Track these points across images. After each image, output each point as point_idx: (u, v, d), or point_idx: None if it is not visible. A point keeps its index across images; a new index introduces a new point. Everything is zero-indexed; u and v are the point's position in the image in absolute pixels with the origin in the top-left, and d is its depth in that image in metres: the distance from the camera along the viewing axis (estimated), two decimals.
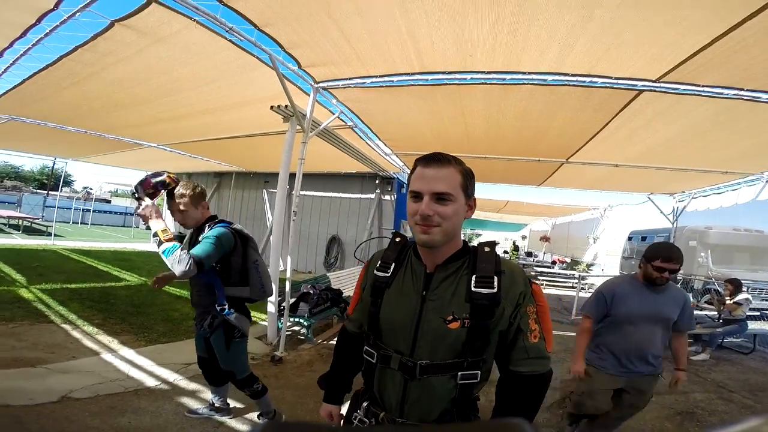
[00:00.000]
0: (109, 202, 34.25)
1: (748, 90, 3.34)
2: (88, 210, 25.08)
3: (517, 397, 1.11)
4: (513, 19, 2.73)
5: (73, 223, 23.15)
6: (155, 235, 2.06)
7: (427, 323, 1.06)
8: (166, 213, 2.55)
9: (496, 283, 1.04)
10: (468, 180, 1.10)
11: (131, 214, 25.48)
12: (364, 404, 1.20)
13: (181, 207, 2.30)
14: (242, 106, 5.29)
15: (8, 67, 4.29)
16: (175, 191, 2.30)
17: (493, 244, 1.13)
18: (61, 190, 19.06)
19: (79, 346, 3.89)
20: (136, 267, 9.18)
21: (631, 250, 13.95)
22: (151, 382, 3.29)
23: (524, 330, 1.07)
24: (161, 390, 3.19)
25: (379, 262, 1.20)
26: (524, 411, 1.09)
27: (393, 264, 1.17)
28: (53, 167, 18.07)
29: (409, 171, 9.44)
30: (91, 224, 24.12)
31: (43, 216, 19.20)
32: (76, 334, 4.22)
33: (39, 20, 3.17)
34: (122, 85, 4.74)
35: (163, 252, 2.02)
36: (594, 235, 15.15)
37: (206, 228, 2.33)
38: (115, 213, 27.89)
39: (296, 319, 4.91)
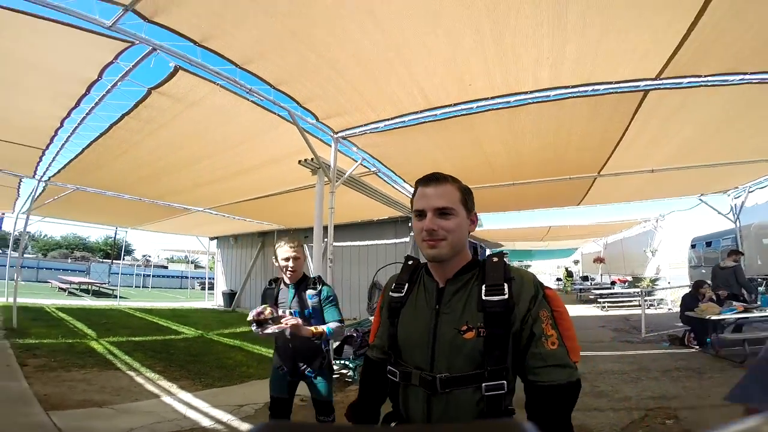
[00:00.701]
0: (166, 267, 37.24)
1: (752, 73, 3.27)
2: (148, 275, 27.64)
3: (541, 410, 1.01)
4: (496, 45, 2.95)
5: (135, 286, 25.52)
6: (315, 337, 2.37)
7: (443, 336, 1.08)
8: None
9: (506, 290, 1.05)
10: (466, 195, 1.17)
11: (187, 277, 27.55)
12: (392, 425, 1.20)
13: (301, 259, 2.57)
14: (272, 164, 5.67)
15: (69, 136, 4.84)
16: (293, 246, 2.56)
17: (501, 255, 1.17)
18: (123, 258, 21.22)
19: (142, 390, 4.25)
20: (193, 322, 9.81)
21: (697, 259, 12.84)
22: (206, 422, 3.50)
23: (537, 335, 1.03)
24: (215, 429, 3.39)
25: (394, 284, 1.26)
26: (552, 426, 0.99)
27: (407, 284, 1.22)
28: (115, 237, 20.19)
29: None
30: (151, 287, 26.28)
31: (109, 281, 21.22)
32: (139, 379, 4.62)
33: (88, 90, 3.67)
34: (165, 151, 5.23)
35: (329, 335, 2.39)
36: (651, 248, 14.11)
37: (311, 286, 2.54)
38: (172, 277, 30.63)
39: (342, 362, 5.00)
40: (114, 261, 25.05)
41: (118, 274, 18.63)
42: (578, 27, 2.75)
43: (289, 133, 4.42)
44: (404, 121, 4.32)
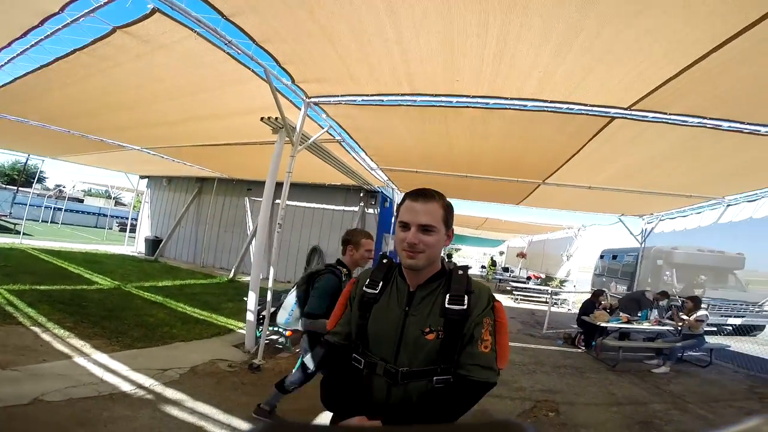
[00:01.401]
0: (81, 201, 33.06)
1: (710, 118, 3.61)
2: (60, 209, 24.31)
3: (453, 396, 1.16)
4: (497, 48, 2.92)
5: (42, 221, 22.27)
6: None
7: (409, 335, 1.20)
8: None
9: (466, 301, 1.20)
10: (448, 213, 1.27)
11: (105, 215, 24.84)
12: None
13: None
14: (232, 116, 5.35)
15: (2, 65, 4.28)
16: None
17: (465, 268, 1.29)
18: (33, 186, 18.32)
19: (50, 349, 3.79)
20: (109, 270, 8.91)
21: (602, 268, 14.44)
22: (126, 387, 3.25)
23: (476, 337, 1.18)
24: (137, 395, 3.15)
25: (368, 280, 1.33)
26: (452, 409, 1.15)
27: (381, 282, 1.31)
28: (26, 163, 17.42)
29: (393, 185, 9.61)
30: (62, 223, 23.31)
31: (11, 213, 18.40)
32: (46, 336, 4.10)
33: (42, 22, 3.20)
34: (116, 89, 4.77)
35: None
36: (568, 252, 15.59)
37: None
38: (88, 213, 27.22)
39: (275, 328, 4.89)
40: (20, 189, 21.68)
41: (24, 205, 16.08)
42: (581, 50, 2.80)
43: (258, 90, 4.18)
44: (382, 100, 4.26)
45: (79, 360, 3.63)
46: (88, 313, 5.15)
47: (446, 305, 1.19)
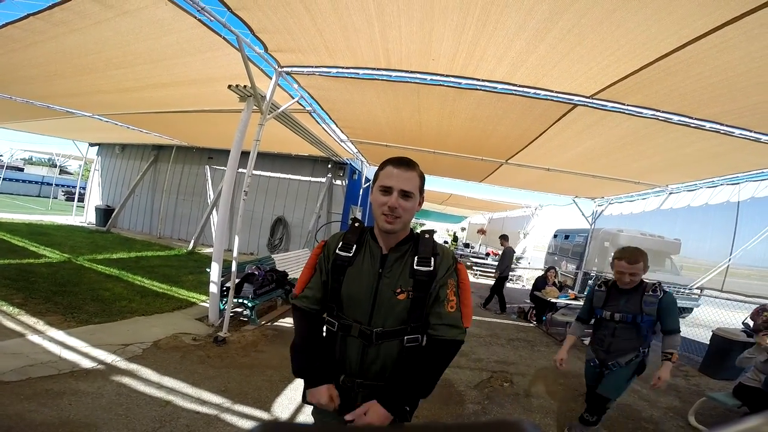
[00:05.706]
0: (21, 170, 30.47)
1: (663, 111, 3.86)
2: None
3: (428, 357, 1.24)
4: (476, 32, 2.94)
5: None
6: None
7: (382, 296, 1.27)
8: None
9: (432, 263, 1.28)
10: (423, 182, 1.36)
11: (50, 184, 23.01)
12: (341, 378, 1.33)
13: None
14: (197, 83, 5.09)
15: None
16: None
17: (431, 232, 1.38)
18: None
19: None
20: (57, 242, 8.34)
21: (554, 247, 15.13)
22: (87, 364, 3.15)
23: (442, 298, 1.27)
24: (99, 371, 3.08)
25: (341, 243, 1.35)
26: (430, 370, 1.23)
27: (354, 246, 1.34)
28: None
29: (363, 158, 9.54)
30: (0, 193, 21.41)
31: None
32: None
33: None
34: (67, 55, 4.44)
35: None
36: (524, 230, 16.25)
37: None
38: (30, 182, 25.33)
39: (240, 300, 4.84)
40: None
41: None
42: (554, 41, 2.88)
43: (228, 58, 4.01)
44: (358, 74, 4.17)
45: (34, 338, 3.47)
46: (38, 288, 4.86)
47: (415, 266, 1.27)
